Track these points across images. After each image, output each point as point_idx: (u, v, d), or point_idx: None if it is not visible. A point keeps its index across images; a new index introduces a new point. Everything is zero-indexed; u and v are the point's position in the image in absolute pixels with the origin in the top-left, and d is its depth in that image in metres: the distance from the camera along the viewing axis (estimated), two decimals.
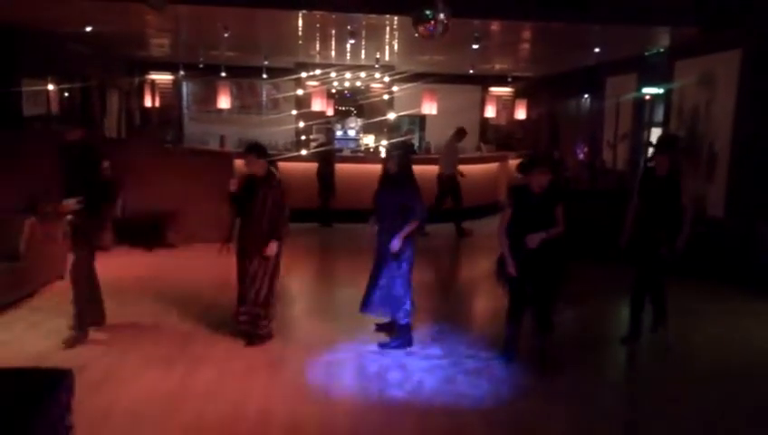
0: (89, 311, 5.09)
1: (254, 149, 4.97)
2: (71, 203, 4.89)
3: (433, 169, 9.93)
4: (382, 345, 5.13)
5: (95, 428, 3.64)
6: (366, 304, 5.16)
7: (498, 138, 15.00)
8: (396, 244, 4.87)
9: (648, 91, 9.80)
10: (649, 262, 5.16)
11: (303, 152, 11.60)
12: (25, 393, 2.61)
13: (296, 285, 7.11)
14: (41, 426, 2.53)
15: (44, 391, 2.68)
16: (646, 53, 9.61)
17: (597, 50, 9.36)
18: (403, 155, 5.14)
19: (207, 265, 7.07)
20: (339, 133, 13.85)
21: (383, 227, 5.03)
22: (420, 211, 4.94)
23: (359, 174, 10.48)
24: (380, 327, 5.36)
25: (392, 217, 4.95)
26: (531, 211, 4.61)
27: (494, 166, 12.32)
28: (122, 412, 3.91)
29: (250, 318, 5.05)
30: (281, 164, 10.46)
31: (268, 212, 4.92)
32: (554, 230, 4.58)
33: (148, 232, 8.19)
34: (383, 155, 11.69)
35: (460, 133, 10.36)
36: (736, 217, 7.69)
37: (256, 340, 5.04)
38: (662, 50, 9.31)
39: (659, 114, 9.66)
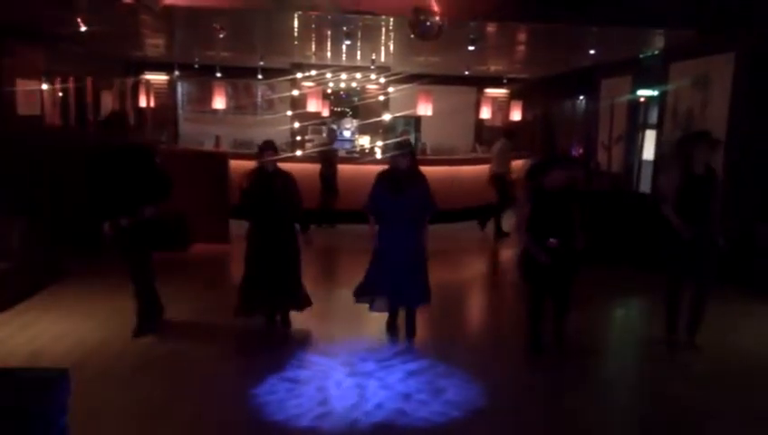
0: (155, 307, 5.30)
1: (272, 146, 5.34)
2: (150, 210, 4.99)
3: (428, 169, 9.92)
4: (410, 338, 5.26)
5: (89, 428, 3.63)
6: (408, 299, 5.23)
7: (493, 139, 14.99)
8: (423, 241, 5.06)
9: (643, 93, 9.83)
10: (702, 260, 5.04)
11: (299, 153, 11.59)
12: (20, 393, 2.60)
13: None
14: (36, 426, 2.52)
15: (39, 391, 2.67)
16: (641, 56, 9.63)
17: (592, 52, 9.39)
18: (413, 151, 5.20)
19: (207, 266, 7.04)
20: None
21: (399, 230, 5.02)
22: (435, 207, 5.09)
23: (358, 175, 10.50)
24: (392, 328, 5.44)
25: (410, 218, 5.01)
26: (548, 208, 4.71)
27: (488, 167, 12.30)
28: (116, 412, 3.91)
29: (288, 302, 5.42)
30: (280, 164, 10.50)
31: (289, 197, 5.25)
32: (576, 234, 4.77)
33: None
34: (378, 156, 11.83)
35: (510, 134, 10.76)
36: (732, 219, 7.72)
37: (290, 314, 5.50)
38: (657, 52, 9.34)
39: (654, 116, 9.69)
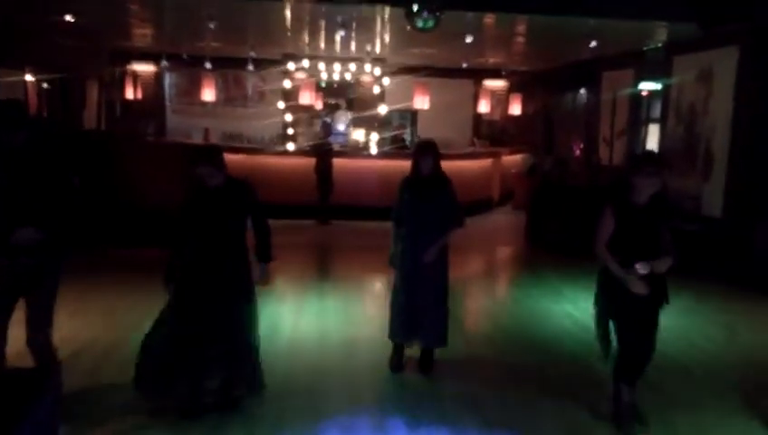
0: None
1: (209, 157, 3.83)
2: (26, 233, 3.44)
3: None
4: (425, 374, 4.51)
5: (79, 427, 3.59)
6: (413, 332, 4.51)
7: (492, 133, 14.76)
8: (430, 255, 4.35)
9: (646, 86, 9.59)
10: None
11: (290, 146, 11.31)
12: (9, 393, 2.56)
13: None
14: (25, 426, 2.45)
15: (28, 390, 2.63)
16: (643, 48, 9.40)
17: (593, 44, 9.14)
18: (437, 151, 4.40)
19: None
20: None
21: (423, 241, 4.38)
22: (461, 218, 4.51)
23: (354, 170, 10.30)
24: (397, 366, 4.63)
25: (435, 228, 4.39)
26: (634, 227, 3.62)
27: (487, 162, 12.09)
28: (106, 411, 3.86)
29: None
30: (272, 159, 10.30)
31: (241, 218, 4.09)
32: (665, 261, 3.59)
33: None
34: (372, 151, 11.57)
35: None
36: (734, 217, 7.55)
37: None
38: (660, 45, 9.11)
39: (657, 110, 9.49)
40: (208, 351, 3.72)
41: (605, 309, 3.79)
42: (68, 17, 8.49)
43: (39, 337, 3.63)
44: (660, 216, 3.63)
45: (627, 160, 3.52)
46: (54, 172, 3.57)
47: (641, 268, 3.49)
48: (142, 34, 10.73)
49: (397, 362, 4.58)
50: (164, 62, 12.70)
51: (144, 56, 13.10)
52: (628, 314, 3.65)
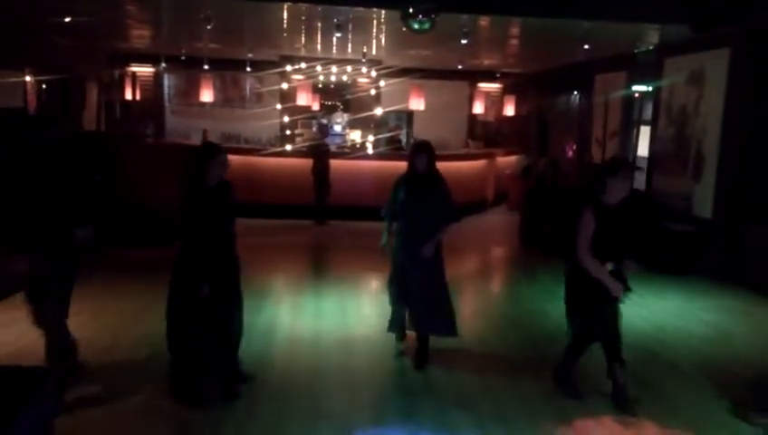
0: None
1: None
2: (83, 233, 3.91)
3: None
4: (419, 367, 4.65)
5: (76, 426, 3.60)
6: (413, 323, 4.72)
7: (486, 134, 14.89)
8: (429, 249, 4.53)
9: (638, 88, 9.73)
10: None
11: (288, 147, 11.41)
12: (7, 392, 2.57)
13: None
14: (23, 425, 2.47)
15: (27, 389, 2.64)
16: (635, 51, 9.53)
17: (586, 47, 9.27)
18: (432, 151, 4.61)
19: None
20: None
21: (417, 236, 4.55)
22: (455, 214, 4.68)
23: (351, 170, 10.37)
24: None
25: (428, 224, 4.56)
26: (607, 228, 3.85)
27: (482, 163, 12.21)
28: (104, 411, 3.85)
29: None
30: (270, 159, 10.39)
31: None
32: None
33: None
34: (369, 150, 11.68)
35: None
36: (725, 217, 7.65)
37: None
38: (651, 47, 9.23)
39: (648, 112, 9.60)
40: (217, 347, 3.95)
41: (578, 308, 4.08)
42: (67, 18, 8.56)
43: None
44: (631, 217, 3.92)
45: (603, 164, 3.64)
46: (80, 169, 3.85)
47: (630, 266, 3.82)
48: (141, 36, 10.81)
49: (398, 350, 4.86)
50: (163, 64, 12.80)
51: (143, 58, 13.19)
52: (602, 312, 3.98)
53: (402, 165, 4.81)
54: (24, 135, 3.71)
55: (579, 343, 4.21)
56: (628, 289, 3.98)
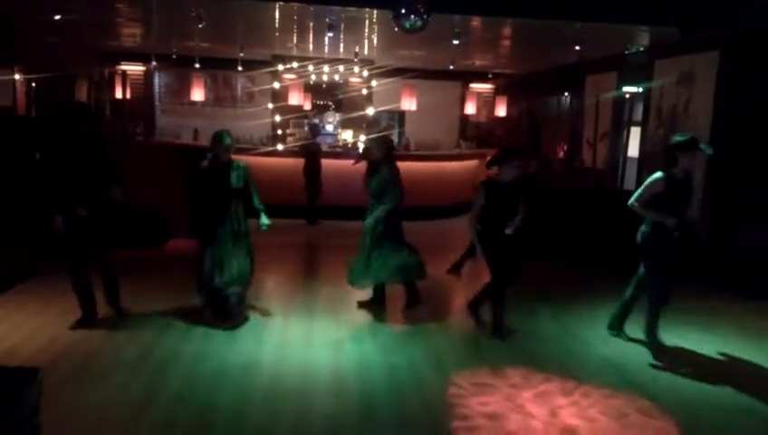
0: None
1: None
2: (118, 192, 5.21)
3: (412, 165, 9.82)
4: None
5: (62, 427, 3.58)
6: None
7: (478, 135, 14.93)
8: (369, 222, 5.69)
9: (628, 89, 9.79)
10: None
11: (279, 147, 11.39)
12: None
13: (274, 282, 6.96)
14: (8, 425, 2.49)
15: (11, 390, 2.65)
16: (626, 52, 9.59)
17: (577, 48, 9.33)
18: (381, 142, 5.96)
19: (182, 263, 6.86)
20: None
21: (369, 211, 5.77)
22: (391, 198, 5.61)
23: (343, 170, 10.35)
24: (362, 305, 6.06)
25: (373, 200, 5.72)
26: (502, 201, 5.17)
27: (473, 163, 12.24)
28: (90, 411, 3.85)
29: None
30: (262, 159, 10.38)
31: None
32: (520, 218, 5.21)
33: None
34: (361, 151, 11.67)
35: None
36: (714, 218, 7.72)
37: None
38: (642, 49, 9.30)
39: (639, 113, 9.67)
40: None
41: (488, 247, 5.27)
42: (57, 17, 8.52)
43: None
44: (521, 191, 5.26)
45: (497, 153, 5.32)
46: (104, 152, 5.10)
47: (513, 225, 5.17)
48: (131, 34, 10.76)
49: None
50: (153, 63, 12.75)
51: (133, 56, 13.13)
52: (501, 252, 5.25)
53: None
54: (69, 123, 4.98)
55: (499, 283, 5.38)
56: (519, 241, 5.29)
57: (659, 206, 4.94)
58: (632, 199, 5.03)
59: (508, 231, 5.10)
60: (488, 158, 5.83)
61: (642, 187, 5.06)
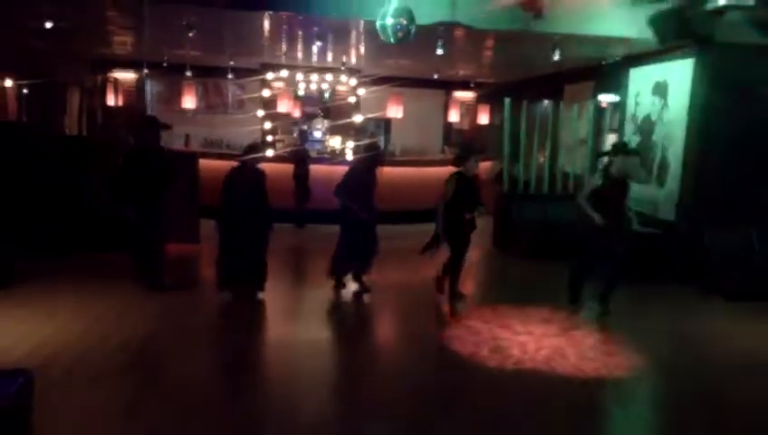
0: None
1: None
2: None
3: (397, 170, 10.08)
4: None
5: (53, 429, 3.60)
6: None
7: (462, 142, 15.22)
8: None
9: (604, 98, 10.12)
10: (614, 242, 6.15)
11: (269, 153, 11.59)
12: None
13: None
14: (1, 426, 2.55)
15: (2, 392, 2.68)
16: (602, 62, 9.93)
17: (555, 58, 9.62)
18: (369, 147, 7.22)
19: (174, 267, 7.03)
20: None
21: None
22: (336, 192, 6.66)
23: (330, 175, 10.56)
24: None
25: None
26: (466, 190, 6.24)
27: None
28: (81, 413, 3.88)
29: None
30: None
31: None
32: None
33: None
34: (348, 157, 11.93)
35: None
36: (686, 221, 8.01)
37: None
38: (618, 58, 9.64)
39: (615, 120, 9.99)
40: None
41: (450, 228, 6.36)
42: (48, 24, 8.63)
43: None
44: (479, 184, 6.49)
45: (460, 151, 6.86)
46: (165, 158, 6.54)
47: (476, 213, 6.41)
48: (123, 42, 10.92)
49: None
50: (145, 70, 12.91)
51: (125, 64, 13.28)
52: (461, 232, 6.44)
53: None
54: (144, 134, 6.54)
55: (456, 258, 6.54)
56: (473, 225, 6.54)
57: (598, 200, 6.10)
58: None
59: (468, 215, 6.25)
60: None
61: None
